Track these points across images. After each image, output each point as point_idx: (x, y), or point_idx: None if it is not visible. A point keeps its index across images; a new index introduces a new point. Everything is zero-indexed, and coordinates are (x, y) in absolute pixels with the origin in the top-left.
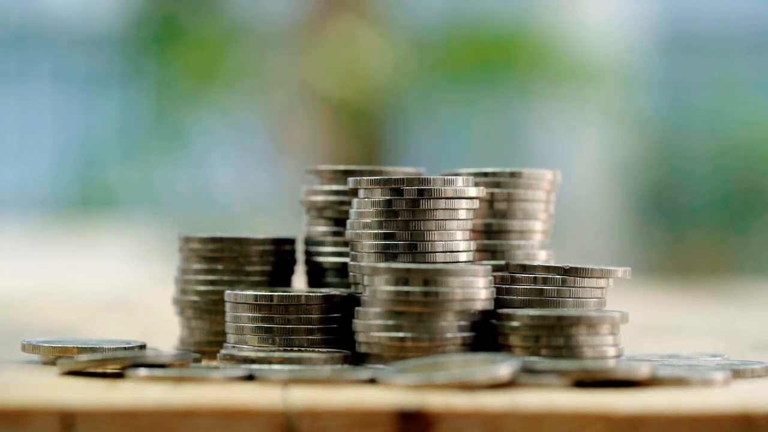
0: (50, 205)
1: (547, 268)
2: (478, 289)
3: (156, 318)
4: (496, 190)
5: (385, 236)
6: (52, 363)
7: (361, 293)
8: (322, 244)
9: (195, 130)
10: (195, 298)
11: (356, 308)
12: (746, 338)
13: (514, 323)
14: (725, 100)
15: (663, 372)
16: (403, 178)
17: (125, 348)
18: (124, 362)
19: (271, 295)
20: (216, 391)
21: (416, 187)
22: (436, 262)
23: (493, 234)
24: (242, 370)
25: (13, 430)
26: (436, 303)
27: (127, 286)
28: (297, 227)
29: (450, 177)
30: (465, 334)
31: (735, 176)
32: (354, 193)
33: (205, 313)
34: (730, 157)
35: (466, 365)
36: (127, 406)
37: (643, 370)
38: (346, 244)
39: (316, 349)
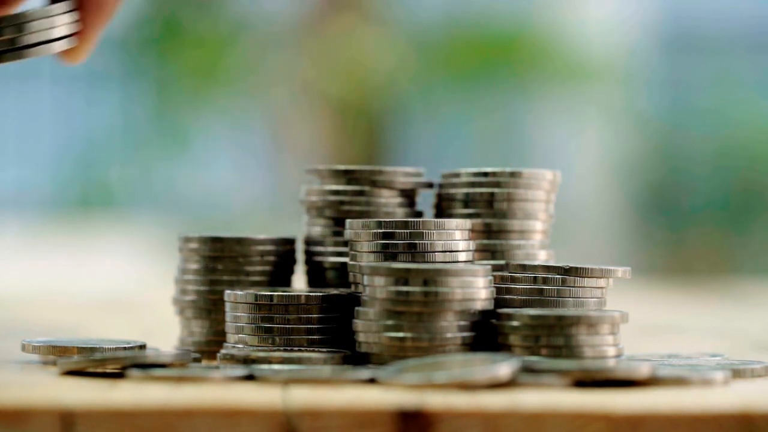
0: (50, 205)
1: (547, 268)
2: (478, 289)
3: (156, 318)
4: (496, 190)
5: (385, 236)
6: (52, 363)
7: (361, 293)
8: (322, 244)
9: (195, 129)
10: (195, 298)
11: (356, 308)
12: (746, 338)
13: (514, 323)
14: (725, 100)
15: (663, 372)
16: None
17: (125, 348)
18: (124, 362)
19: (271, 295)
20: (216, 391)
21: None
22: (435, 262)
23: (493, 234)
24: (242, 370)
25: (13, 430)
26: (436, 303)
27: (127, 286)
28: (297, 227)
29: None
30: (465, 334)
31: (735, 176)
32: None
33: (205, 313)
34: (730, 157)
35: (466, 365)
36: (127, 406)
37: (643, 370)
38: (346, 244)
39: (316, 349)
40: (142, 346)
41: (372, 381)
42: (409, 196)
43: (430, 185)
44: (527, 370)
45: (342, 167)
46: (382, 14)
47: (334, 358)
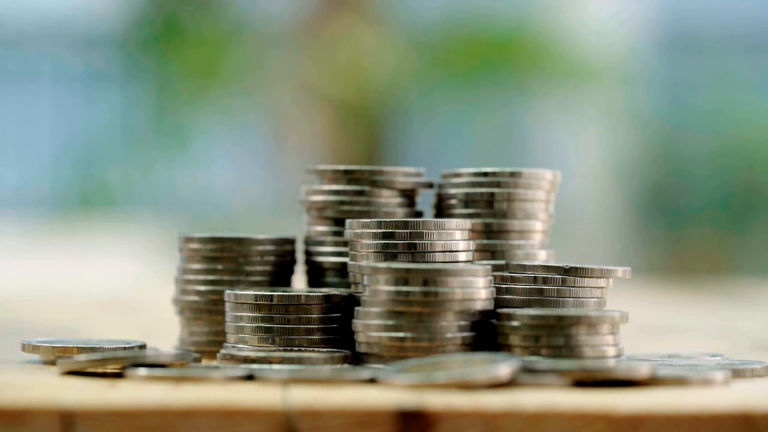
0: (50, 204)
1: (547, 268)
2: (478, 289)
3: (156, 318)
4: (496, 190)
5: (385, 236)
6: (52, 363)
7: (361, 293)
8: (322, 244)
9: (195, 129)
10: (195, 298)
11: (356, 308)
12: (746, 338)
13: (514, 323)
14: (725, 100)
15: (663, 372)
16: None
17: (125, 348)
18: (124, 362)
19: (271, 295)
20: (216, 391)
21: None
22: (435, 262)
23: (493, 234)
24: (242, 370)
25: (13, 430)
26: (436, 303)
27: (127, 286)
28: (297, 227)
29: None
30: (465, 334)
31: (735, 176)
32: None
33: (205, 313)
34: (730, 157)
35: (466, 365)
36: (127, 406)
37: (643, 370)
38: (346, 244)
39: (316, 349)
40: (142, 346)
41: (372, 381)
42: (409, 196)
43: (430, 185)
44: (527, 370)
45: (342, 167)
46: (382, 14)
47: (334, 358)
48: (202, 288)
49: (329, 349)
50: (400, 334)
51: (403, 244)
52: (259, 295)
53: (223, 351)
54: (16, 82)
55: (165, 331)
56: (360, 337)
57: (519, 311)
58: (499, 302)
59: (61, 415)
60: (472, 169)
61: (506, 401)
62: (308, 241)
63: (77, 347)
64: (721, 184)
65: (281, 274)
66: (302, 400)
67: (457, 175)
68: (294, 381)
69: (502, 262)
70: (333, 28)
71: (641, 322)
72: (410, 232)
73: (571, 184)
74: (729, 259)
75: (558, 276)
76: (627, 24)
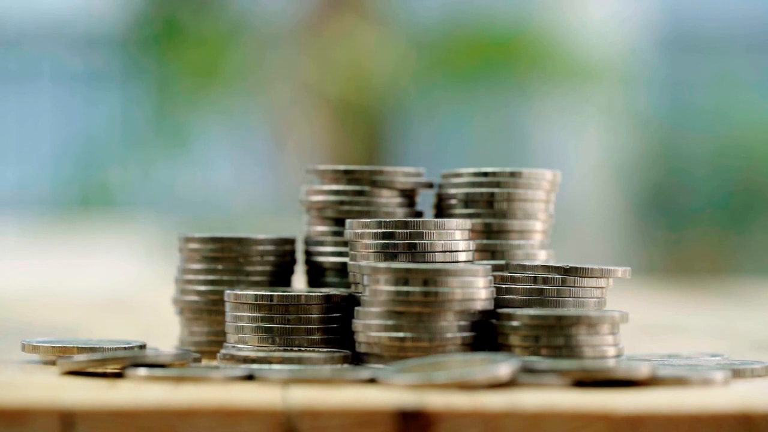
0: (50, 204)
1: (547, 268)
2: (478, 289)
3: (156, 318)
4: (496, 190)
5: (385, 236)
6: (52, 363)
7: (361, 293)
8: (322, 244)
9: (195, 129)
10: (195, 298)
11: (356, 308)
12: (746, 338)
13: (514, 323)
14: (725, 100)
15: (663, 372)
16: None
17: (125, 348)
18: (124, 362)
19: (271, 295)
20: (216, 391)
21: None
22: (435, 262)
23: (493, 234)
24: (242, 370)
25: (13, 430)
26: (436, 303)
27: (127, 286)
28: (297, 227)
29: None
30: (465, 334)
31: (735, 176)
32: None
33: (205, 313)
34: (730, 157)
35: (466, 365)
36: (127, 406)
37: (643, 370)
38: (346, 244)
39: (316, 349)
40: (142, 346)
41: (372, 381)
42: (409, 196)
43: (430, 185)
44: (527, 370)
45: (342, 167)
46: (382, 14)
47: (334, 358)
48: (202, 288)
49: (329, 349)
50: (400, 334)
51: (403, 244)
52: (259, 295)
53: (223, 351)
54: (16, 82)
55: (165, 331)
56: (360, 337)
57: (519, 311)
58: (499, 302)
59: (61, 415)
60: (472, 169)
61: (506, 401)
62: (308, 241)
63: (77, 347)
64: (721, 184)
65: (281, 274)
66: (302, 400)
67: (457, 175)
68: (294, 381)
69: (502, 262)
70: (333, 28)
71: (641, 322)
72: (410, 232)
73: (571, 184)
74: (729, 259)
75: (558, 276)
76: (627, 24)
